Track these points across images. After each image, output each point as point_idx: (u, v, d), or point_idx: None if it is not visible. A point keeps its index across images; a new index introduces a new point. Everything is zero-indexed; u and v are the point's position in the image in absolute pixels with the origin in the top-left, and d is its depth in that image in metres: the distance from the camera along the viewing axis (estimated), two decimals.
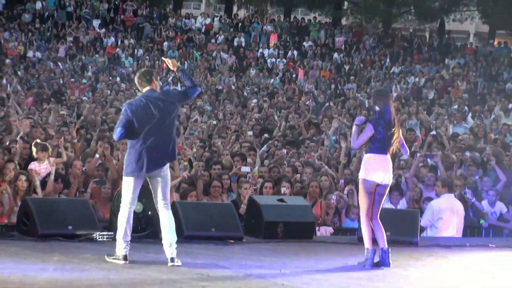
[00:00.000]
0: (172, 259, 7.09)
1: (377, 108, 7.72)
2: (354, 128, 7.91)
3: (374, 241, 7.68)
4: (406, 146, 7.99)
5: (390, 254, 7.63)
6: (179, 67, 7.45)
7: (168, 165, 7.34)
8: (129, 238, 7.14)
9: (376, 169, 7.63)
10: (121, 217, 7.17)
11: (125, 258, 7.09)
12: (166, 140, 7.16)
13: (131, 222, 7.18)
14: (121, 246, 7.11)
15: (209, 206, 9.45)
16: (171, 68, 7.47)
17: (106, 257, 7.18)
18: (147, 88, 7.24)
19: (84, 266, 6.86)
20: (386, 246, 7.64)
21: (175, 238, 7.15)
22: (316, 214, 10.23)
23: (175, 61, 7.52)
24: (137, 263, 7.12)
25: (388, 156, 7.71)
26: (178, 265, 7.05)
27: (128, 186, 7.18)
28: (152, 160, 7.09)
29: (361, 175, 7.74)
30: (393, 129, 7.68)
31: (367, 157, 7.75)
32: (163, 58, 8.19)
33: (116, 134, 7.16)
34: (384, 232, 7.69)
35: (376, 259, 7.64)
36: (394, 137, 7.69)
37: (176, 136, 7.75)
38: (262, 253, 8.28)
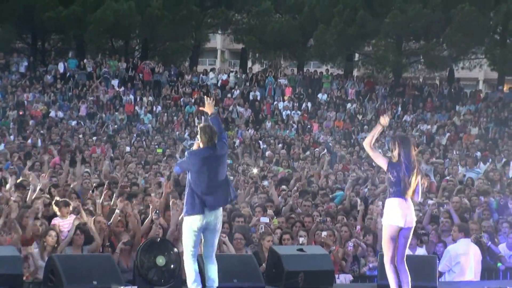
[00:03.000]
0: None
1: (395, 152, 7.82)
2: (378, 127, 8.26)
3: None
4: (419, 193, 7.88)
5: None
6: (214, 113, 8.04)
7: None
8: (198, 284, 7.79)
9: (397, 213, 7.68)
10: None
11: None
12: None
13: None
14: None
15: (230, 258, 9.54)
16: (207, 111, 8.04)
17: None
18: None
19: None
20: None
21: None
22: (333, 261, 10.25)
23: (213, 107, 8.07)
24: None
25: (408, 200, 7.73)
26: None
27: None
28: None
29: (383, 221, 7.84)
30: (411, 173, 7.69)
31: (387, 202, 7.82)
32: (206, 98, 8.54)
33: None
34: (409, 278, 7.75)
35: None
36: (412, 181, 7.69)
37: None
38: None
